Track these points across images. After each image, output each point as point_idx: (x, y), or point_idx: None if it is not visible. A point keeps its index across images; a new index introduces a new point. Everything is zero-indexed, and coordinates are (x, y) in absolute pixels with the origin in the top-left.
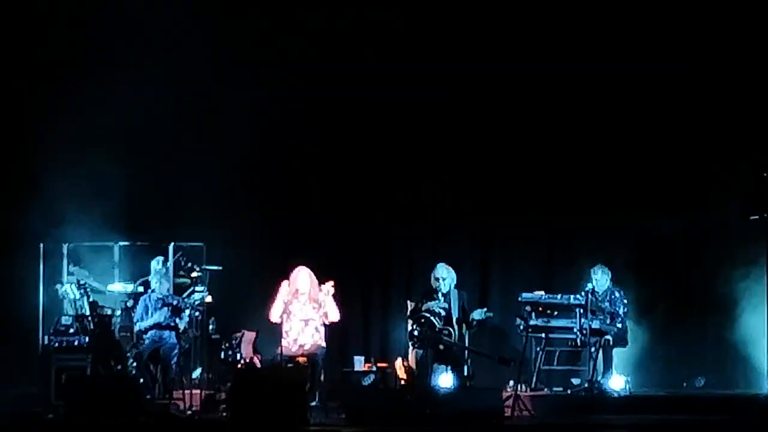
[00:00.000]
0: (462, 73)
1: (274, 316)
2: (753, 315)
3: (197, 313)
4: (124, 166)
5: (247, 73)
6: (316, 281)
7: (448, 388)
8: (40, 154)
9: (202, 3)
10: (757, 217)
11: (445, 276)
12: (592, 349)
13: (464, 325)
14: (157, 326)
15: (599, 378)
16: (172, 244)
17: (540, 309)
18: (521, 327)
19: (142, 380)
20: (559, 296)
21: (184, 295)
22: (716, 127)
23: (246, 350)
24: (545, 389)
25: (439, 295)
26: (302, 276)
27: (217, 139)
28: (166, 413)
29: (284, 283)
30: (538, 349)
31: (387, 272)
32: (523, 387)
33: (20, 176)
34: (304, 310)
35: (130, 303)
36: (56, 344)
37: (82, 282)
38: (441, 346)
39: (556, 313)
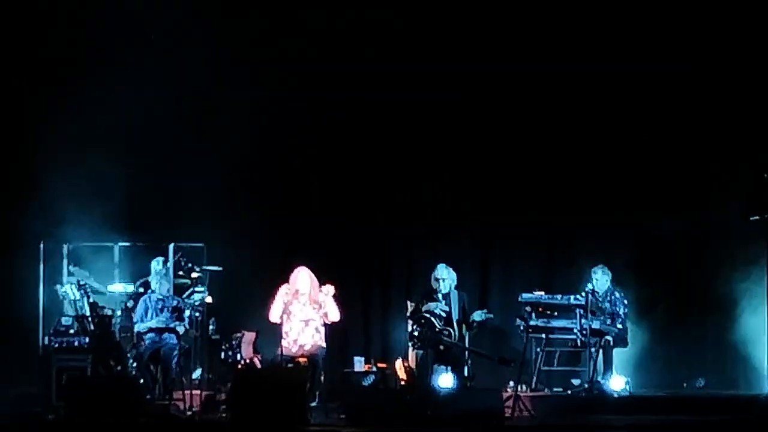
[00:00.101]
0: (462, 73)
1: (274, 316)
2: (753, 315)
3: (197, 314)
4: (124, 166)
5: (247, 73)
6: (316, 281)
7: (449, 389)
8: (40, 154)
9: (202, 3)
10: (757, 217)
11: (445, 277)
12: (592, 350)
13: (464, 326)
14: (158, 330)
15: (599, 378)
16: (172, 244)
17: (540, 309)
18: (521, 327)
19: (142, 381)
20: (559, 297)
21: (184, 296)
22: (716, 127)
23: (246, 351)
24: (545, 390)
25: (440, 295)
26: (302, 276)
27: (217, 139)
28: (167, 414)
29: (285, 286)
30: (538, 349)
31: (387, 272)
32: (524, 387)
33: (20, 176)
34: (304, 310)
35: (130, 303)
36: (56, 345)
37: (82, 282)
38: (441, 347)
39: (556, 313)
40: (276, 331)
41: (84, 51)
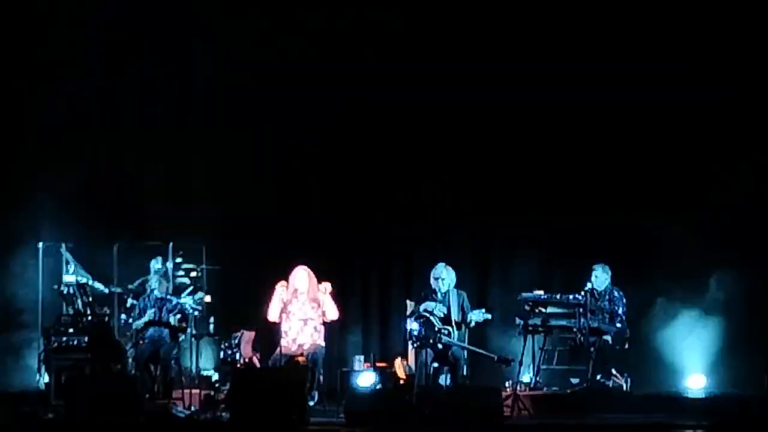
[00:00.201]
0: (462, 73)
1: (273, 315)
2: (753, 315)
3: (197, 313)
4: (124, 166)
5: (247, 73)
6: (315, 280)
7: (447, 388)
8: (39, 153)
9: (202, 3)
10: None
11: (444, 276)
12: (592, 349)
13: (463, 325)
14: (153, 323)
15: (598, 377)
16: (172, 244)
17: (539, 308)
18: (521, 326)
19: (141, 380)
20: (558, 296)
21: (184, 295)
22: (716, 127)
23: (245, 350)
24: (544, 389)
25: (439, 295)
26: (300, 275)
27: (217, 139)
28: (166, 413)
29: (281, 283)
30: (537, 348)
31: (387, 272)
32: (522, 386)
33: (20, 176)
34: (303, 309)
35: (129, 303)
36: (56, 344)
37: (81, 282)
38: (440, 346)
39: (555, 312)
40: (275, 330)
41: (84, 51)
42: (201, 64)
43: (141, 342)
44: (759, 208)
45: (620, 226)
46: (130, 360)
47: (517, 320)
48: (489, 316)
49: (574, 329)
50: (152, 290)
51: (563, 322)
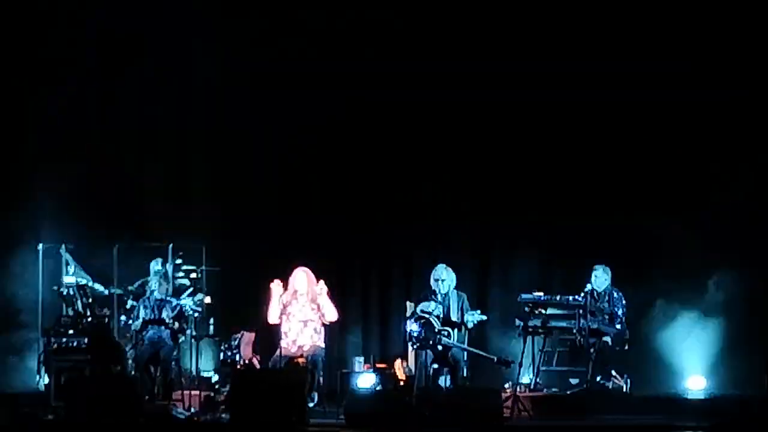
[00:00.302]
0: (462, 73)
1: (272, 317)
2: (753, 316)
3: (196, 314)
4: (124, 166)
5: (247, 73)
6: (314, 282)
7: (447, 389)
8: (40, 154)
9: (202, 3)
10: None
11: (444, 277)
12: (591, 350)
13: (463, 326)
14: (153, 322)
15: (598, 379)
16: (172, 244)
17: (539, 310)
18: (520, 328)
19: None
20: (558, 297)
21: (183, 296)
22: (716, 127)
23: (245, 351)
24: (544, 390)
25: (439, 296)
26: (300, 277)
27: (217, 139)
28: (166, 414)
29: (276, 283)
30: (537, 349)
31: (387, 272)
32: (522, 388)
33: (20, 176)
34: (303, 311)
35: (129, 304)
36: (55, 345)
37: (81, 283)
38: (440, 347)
39: (555, 313)
40: (275, 331)
41: (84, 51)
42: (201, 64)
43: (141, 343)
44: (759, 208)
45: (620, 226)
46: (130, 361)
47: (517, 321)
48: (484, 317)
49: (574, 330)
50: (152, 292)
51: (563, 324)
